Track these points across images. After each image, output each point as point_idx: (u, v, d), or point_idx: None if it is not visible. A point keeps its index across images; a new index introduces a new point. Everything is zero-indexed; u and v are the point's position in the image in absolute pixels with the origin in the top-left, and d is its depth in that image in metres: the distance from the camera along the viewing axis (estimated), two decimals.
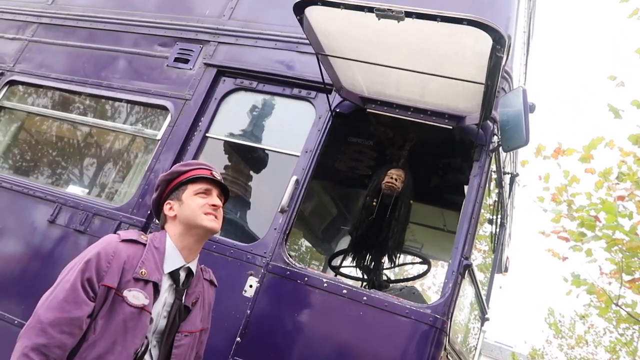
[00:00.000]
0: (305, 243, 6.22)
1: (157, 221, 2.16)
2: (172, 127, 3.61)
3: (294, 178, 3.02)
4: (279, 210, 2.97)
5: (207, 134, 3.54)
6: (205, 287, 2.07)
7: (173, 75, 3.85)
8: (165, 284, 1.88)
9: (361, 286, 3.51)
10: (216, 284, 2.18)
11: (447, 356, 2.65)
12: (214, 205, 1.99)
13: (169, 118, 3.68)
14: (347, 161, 4.24)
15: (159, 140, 3.64)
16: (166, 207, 2.01)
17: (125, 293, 1.76)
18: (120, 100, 4.03)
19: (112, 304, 1.75)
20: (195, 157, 3.47)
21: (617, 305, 7.00)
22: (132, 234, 1.94)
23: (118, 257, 1.80)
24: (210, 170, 2.07)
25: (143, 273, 1.81)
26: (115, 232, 1.99)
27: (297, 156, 3.17)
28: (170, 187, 2.04)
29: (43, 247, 3.48)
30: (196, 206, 1.96)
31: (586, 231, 7.05)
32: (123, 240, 1.86)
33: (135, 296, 1.78)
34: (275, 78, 3.50)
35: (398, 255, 3.51)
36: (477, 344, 4.35)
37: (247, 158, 3.80)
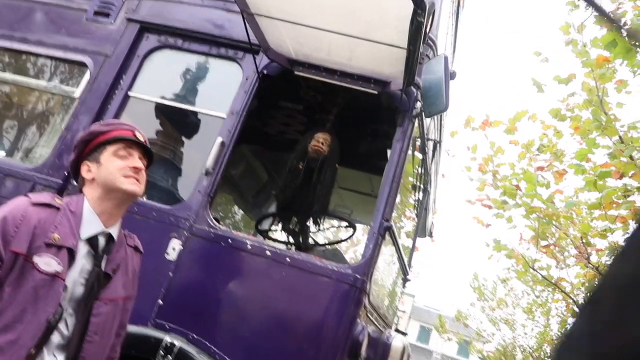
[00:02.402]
0: (239, 211, 6.18)
1: (75, 183, 2.05)
2: (92, 85, 3.43)
3: (219, 139, 2.97)
4: (204, 172, 2.92)
5: (129, 93, 3.39)
6: (129, 254, 1.96)
7: (93, 29, 3.63)
8: (82, 250, 1.77)
9: (287, 249, 3.54)
10: (142, 250, 2.08)
11: (367, 314, 2.74)
12: (135, 167, 1.87)
13: (87, 75, 3.49)
14: (277, 125, 4.21)
15: (77, 98, 3.45)
16: (84, 169, 1.88)
17: (36, 259, 1.65)
18: (35, 54, 3.77)
19: (21, 270, 1.64)
20: (117, 116, 3.32)
21: (533, 269, 7.48)
22: (45, 197, 1.81)
23: (27, 221, 1.67)
24: (133, 130, 1.95)
25: (56, 238, 1.69)
26: (26, 195, 1.86)
27: (223, 118, 3.11)
28: (89, 147, 1.90)
29: None
30: (115, 168, 1.85)
31: (508, 199, 7.44)
32: (34, 204, 1.73)
33: (46, 262, 1.66)
34: (201, 37, 3.38)
35: (323, 218, 3.55)
36: (402, 306, 4.53)
37: (171, 119, 3.68)
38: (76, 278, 1.76)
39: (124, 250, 1.94)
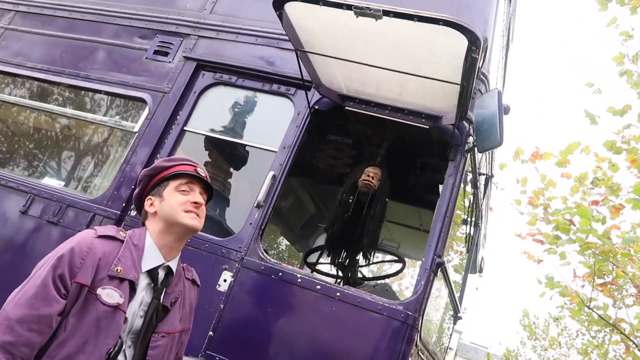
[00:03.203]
0: (284, 241, 6.22)
1: (135, 215, 2.12)
2: (150, 120, 3.59)
3: (271, 173, 3.02)
4: (255, 205, 2.97)
5: (185, 128, 3.52)
6: (186, 287, 2.00)
7: (152, 67, 3.82)
8: (143, 282, 1.82)
9: (335, 283, 3.53)
10: (199, 283, 2.12)
11: (418, 353, 2.68)
12: (195, 202, 1.92)
13: (146, 110, 3.65)
14: (325, 159, 4.25)
15: (136, 132, 3.61)
16: (147, 203, 1.95)
17: (99, 291, 1.70)
18: (97, 91, 3.99)
19: (85, 302, 1.69)
20: (173, 150, 3.44)
21: (589, 307, 7.14)
22: (110, 229, 1.87)
23: (93, 254, 1.73)
24: (195, 166, 2.01)
25: (119, 271, 1.75)
26: (89, 226, 1.94)
27: (275, 152, 3.17)
28: (153, 182, 1.98)
29: (15, 238, 3.42)
30: (177, 203, 1.90)
31: (561, 234, 7.18)
32: (100, 236, 1.79)
33: (109, 294, 1.71)
34: (254, 73, 3.50)
35: (373, 252, 3.53)
36: (450, 343, 4.40)
37: (225, 153, 3.78)
38: (136, 310, 1.80)
39: (182, 284, 1.97)
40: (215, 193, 3.76)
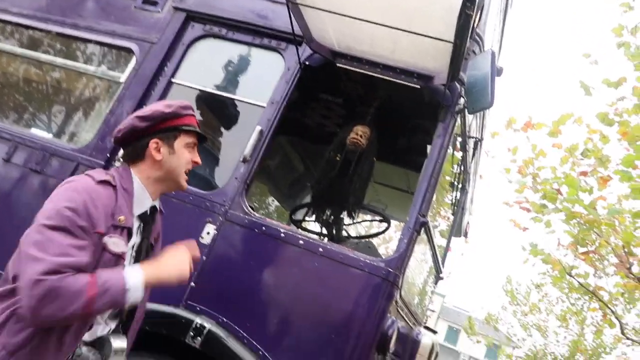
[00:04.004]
0: (274, 202, 6.22)
1: (120, 150, 1.95)
2: (137, 71, 3.51)
3: (258, 128, 2.99)
4: (241, 160, 2.94)
5: (172, 80, 3.45)
6: (160, 220, 2.01)
7: (140, 17, 3.71)
8: (135, 225, 1.81)
9: (320, 240, 3.54)
10: (163, 210, 2.07)
11: (397, 309, 2.72)
12: (195, 162, 1.91)
13: (133, 61, 3.57)
14: (316, 117, 4.21)
15: (122, 83, 3.53)
16: (152, 145, 1.83)
17: (106, 239, 1.65)
18: (84, 40, 3.87)
19: (97, 251, 1.63)
20: None
21: (570, 275, 7.28)
22: (102, 174, 1.77)
23: (102, 202, 1.67)
24: (197, 122, 1.96)
25: (122, 220, 1.70)
26: (73, 175, 1.88)
27: (263, 107, 3.13)
28: (165, 125, 1.86)
29: None
30: (184, 161, 1.86)
31: (548, 203, 7.25)
32: (99, 182, 1.70)
33: (115, 243, 1.67)
34: (245, 26, 3.40)
35: (358, 211, 3.54)
36: (432, 305, 4.48)
37: (213, 107, 3.72)
38: (130, 253, 1.80)
39: (158, 218, 2.00)
40: (203, 148, 3.74)
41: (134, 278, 1.60)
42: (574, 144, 7.60)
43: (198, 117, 3.73)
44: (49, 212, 1.58)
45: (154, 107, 1.90)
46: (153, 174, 1.84)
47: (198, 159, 1.91)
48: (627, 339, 8.23)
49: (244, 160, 2.93)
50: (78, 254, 1.54)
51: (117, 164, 3.16)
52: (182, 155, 1.86)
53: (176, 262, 1.75)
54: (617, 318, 7.57)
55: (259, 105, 3.16)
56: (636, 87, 6.73)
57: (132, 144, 1.86)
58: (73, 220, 1.56)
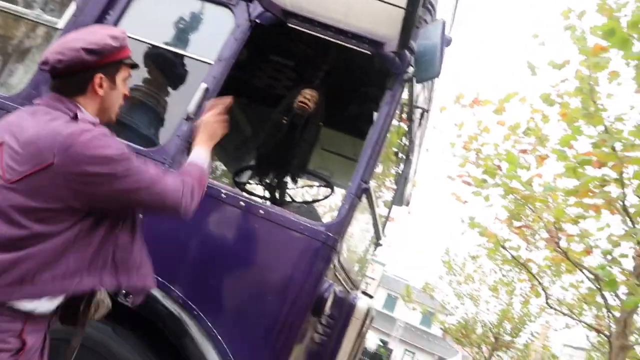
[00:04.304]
0: (218, 163, 6.10)
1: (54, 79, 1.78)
2: (76, 17, 3.29)
3: (204, 86, 2.89)
4: (185, 117, 2.85)
5: None
6: None
7: None
8: None
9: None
10: None
11: (335, 274, 2.76)
12: (125, 95, 1.89)
13: (73, 6, 3.34)
14: (265, 79, 4.12)
15: (60, 29, 3.31)
16: (97, 80, 1.75)
17: None
18: None
19: None
20: None
21: (504, 247, 7.62)
22: (86, 122, 1.71)
23: None
24: None
25: None
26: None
27: (210, 64, 3.02)
28: (111, 59, 1.77)
29: None
30: (121, 96, 1.86)
31: (488, 178, 7.52)
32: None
33: None
34: None
35: (302, 176, 3.52)
36: (373, 274, 4.57)
37: (158, 61, 3.56)
38: None
39: None
40: (144, 104, 3.60)
41: (203, 159, 2.05)
42: (516, 122, 7.86)
43: (143, 73, 3.60)
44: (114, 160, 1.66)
45: (99, 37, 1.77)
46: (93, 109, 1.79)
47: (128, 91, 1.90)
48: (551, 308, 8.79)
49: (188, 118, 2.83)
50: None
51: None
52: (121, 89, 1.85)
53: (210, 128, 2.14)
54: (543, 289, 8.05)
55: (205, 62, 3.05)
56: (578, 70, 6.99)
57: (72, 77, 1.75)
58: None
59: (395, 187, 4.39)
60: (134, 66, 1.92)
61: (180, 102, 3.34)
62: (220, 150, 5.52)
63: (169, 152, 2.80)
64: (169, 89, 3.64)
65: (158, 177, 1.74)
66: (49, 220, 1.58)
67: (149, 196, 1.72)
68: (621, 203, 6.56)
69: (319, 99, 3.26)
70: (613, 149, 6.21)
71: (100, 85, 1.77)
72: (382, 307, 44.38)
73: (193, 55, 3.25)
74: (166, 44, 3.36)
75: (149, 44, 3.38)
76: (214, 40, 3.12)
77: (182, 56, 3.44)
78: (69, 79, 1.75)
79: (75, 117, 1.67)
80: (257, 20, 3.08)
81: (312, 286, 2.49)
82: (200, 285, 2.57)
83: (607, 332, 7.06)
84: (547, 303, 8.33)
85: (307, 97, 3.17)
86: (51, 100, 1.75)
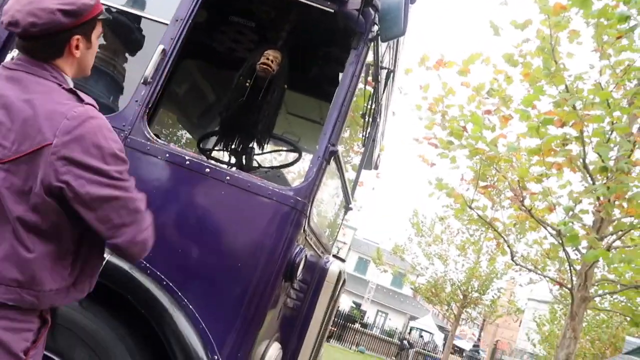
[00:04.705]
0: (181, 131, 5.95)
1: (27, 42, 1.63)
2: None
3: (161, 47, 2.75)
4: (142, 81, 2.72)
5: None
6: None
7: None
8: None
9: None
10: None
11: (306, 238, 2.73)
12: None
13: None
14: (227, 42, 3.97)
15: None
16: (74, 42, 1.65)
17: None
18: None
19: None
20: None
21: (470, 207, 7.74)
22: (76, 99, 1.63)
23: None
24: None
25: None
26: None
27: (166, 24, 2.87)
28: (87, 18, 1.66)
29: None
30: (95, 52, 1.79)
31: (454, 140, 7.57)
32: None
33: None
34: None
35: (268, 140, 3.44)
36: (344, 238, 4.57)
37: (112, 23, 3.38)
38: None
39: None
40: (99, 70, 3.42)
41: None
42: (480, 84, 7.88)
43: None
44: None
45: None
46: (69, 71, 1.71)
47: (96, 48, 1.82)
48: (516, 264, 9.05)
49: (145, 82, 2.70)
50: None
51: (10, 57, 2.79)
52: (95, 46, 1.78)
53: None
54: (509, 247, 8.25)
55: (162, 23, 2.90)
56: (540, 30, 7.02)
57: (46, 39, 1.62)
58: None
59: (363, 150, 4.36)
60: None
61: (137, 65, 3.19)
62: (183, 116, 5.37)
63: (127, 118, 2.68)
64: (125, 53, 3.47)
65: (142, 205, 1.72)
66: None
67: (119, 218, 1.62)
68: (582, 161, 6.72)
69: (282, 60, 3.15)
70: (574, 107, 6.31)
71: (77, 47, 1.67)
72: (354, 270, 45.20)
73: (148, 16, 3.09)
74: (120, 3, 3.19)
75: (102, 3, 3.19)
76: (171, 0, 2.97)
77: (136, 17, 3.27)
78: (43, 41, 1.62)
79: (79, 99, 1.61)
80: None
81: (282, 251, 2.45)
82: (168, 255, 2.50)
83: (569, 285, 7.33)
84: (512, 260, 8.57)
85: (270, 58, 3.06)
86: (30, 65, 1.61)
